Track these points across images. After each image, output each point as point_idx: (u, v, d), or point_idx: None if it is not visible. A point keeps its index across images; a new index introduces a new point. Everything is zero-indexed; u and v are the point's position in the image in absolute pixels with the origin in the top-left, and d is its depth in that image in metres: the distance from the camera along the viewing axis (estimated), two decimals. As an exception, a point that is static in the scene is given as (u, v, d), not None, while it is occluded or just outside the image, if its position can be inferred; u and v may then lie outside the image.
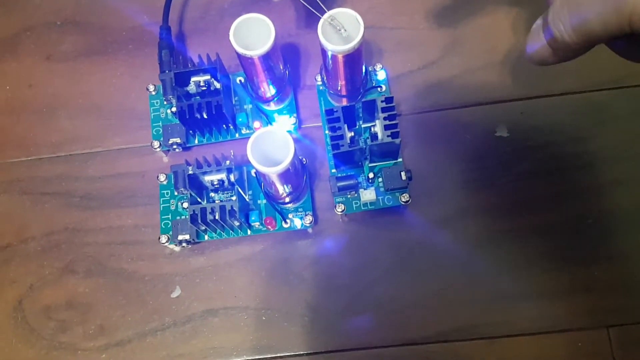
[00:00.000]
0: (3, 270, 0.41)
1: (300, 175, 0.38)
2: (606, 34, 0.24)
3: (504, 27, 0.44)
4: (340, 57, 0.35)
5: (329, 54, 0.35)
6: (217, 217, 0.36)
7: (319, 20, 0.34)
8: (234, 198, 0.37)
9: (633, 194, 0.39)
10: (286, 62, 0.40)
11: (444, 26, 0.44)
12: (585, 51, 0.26)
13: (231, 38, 0.35)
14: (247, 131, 0.42)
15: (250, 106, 0.42)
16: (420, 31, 0.44)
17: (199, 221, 0.36)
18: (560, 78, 0.42)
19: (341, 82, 0.39)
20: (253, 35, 0.36)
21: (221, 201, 0.37)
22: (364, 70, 0.40)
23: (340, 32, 0.34)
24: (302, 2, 0.35)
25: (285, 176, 0.35)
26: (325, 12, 0.34)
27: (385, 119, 0.36)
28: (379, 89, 0.42)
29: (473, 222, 0.40)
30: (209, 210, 0.36)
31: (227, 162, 0.38)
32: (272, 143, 0.34)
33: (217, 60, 0.39)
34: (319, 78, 0.42)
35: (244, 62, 0.37)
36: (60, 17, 0.47)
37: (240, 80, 0.42)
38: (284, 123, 0.42)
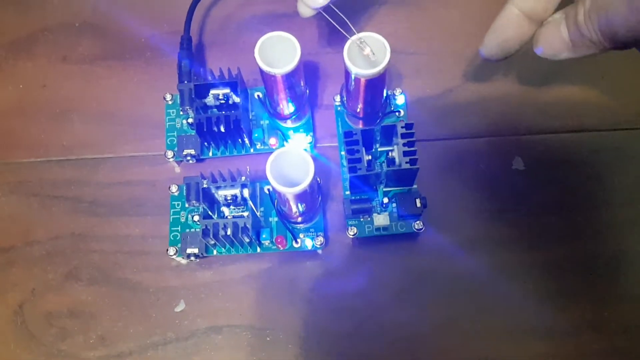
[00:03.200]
0: (6, 272, 0.40)
1: (315, 196, 0.37)
2: (632, 38, 0.26)
3: (525, 58, 0.44)
4: (363, 80, 0.35)
5: (352, 76, 0.35)
6: (229, 233, 0.36)
7: (340, 41, 0.34)
8: (246, 214, 0.37)
9: (647, 235, 0.39)
10: (307, 80, 0.40)
11: (463, 53, 0.44)
12: (606, 51, 0.28)
13: (256, 55, 0.35)
14: (262, 147, 0.41)
15: (266, 122, 0.42)
16: (439, 57, 0.44)
17: (211, 236, 0.36)
18: (579, 115, 0.42)
19: (360, 105, 0.39)
20: (277, 52, 0.36)
21: (234, 217, 0.37)
22: (384, 95, 0.39)
23: (368, 56, 0.34)
24: (333, 22, 0.34)
25: (301, 196, 0.34)
26: (355, 33, 0.34)
27: (404, 144, 0.36)
28: (397, 113, 0.42)
29: (485, 253, 0.39)
30: (221, 225, 0.36)
31: (243, 177, 0.37)
32: (291, 163, 0.34)
33: (238, 74, 0.39)
34: (337, 98, 0.42)
35: (266, 79, 0.36)
36: (79, 19, 0.47)
37: (258, 96, 0.42)
38: (300, 141, 0.41)
